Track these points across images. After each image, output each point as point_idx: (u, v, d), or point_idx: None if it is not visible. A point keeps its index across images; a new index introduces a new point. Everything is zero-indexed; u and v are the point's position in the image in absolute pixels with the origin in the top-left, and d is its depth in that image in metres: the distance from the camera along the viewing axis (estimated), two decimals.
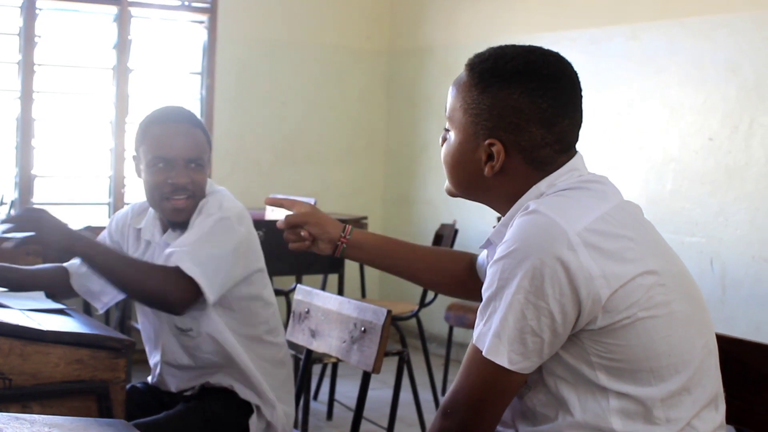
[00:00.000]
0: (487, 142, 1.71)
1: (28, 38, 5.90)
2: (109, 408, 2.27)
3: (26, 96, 5.93)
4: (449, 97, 1.80)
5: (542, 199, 1.68)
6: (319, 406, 5.01)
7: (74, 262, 2.81)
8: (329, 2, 6.95)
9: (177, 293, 2.49)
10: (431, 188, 6.74)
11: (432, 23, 6.79)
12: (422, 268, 2.19)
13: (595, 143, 5.42)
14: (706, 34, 4.85)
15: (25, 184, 5.95)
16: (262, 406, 2.70)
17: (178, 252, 2.52)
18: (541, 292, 1.57)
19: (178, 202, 2.62)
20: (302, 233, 2.14)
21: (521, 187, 1.73)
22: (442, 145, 1.84)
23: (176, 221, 2.66)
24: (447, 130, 1.81)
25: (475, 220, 6.08)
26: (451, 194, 1.86)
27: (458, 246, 5.10)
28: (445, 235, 4.80)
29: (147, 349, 2.85)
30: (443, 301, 5.37)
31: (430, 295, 4.89)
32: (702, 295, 1.77)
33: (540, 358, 1.61)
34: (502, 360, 1.60)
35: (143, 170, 2.66)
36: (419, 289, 4.99)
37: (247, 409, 2.70)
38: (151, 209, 2.78)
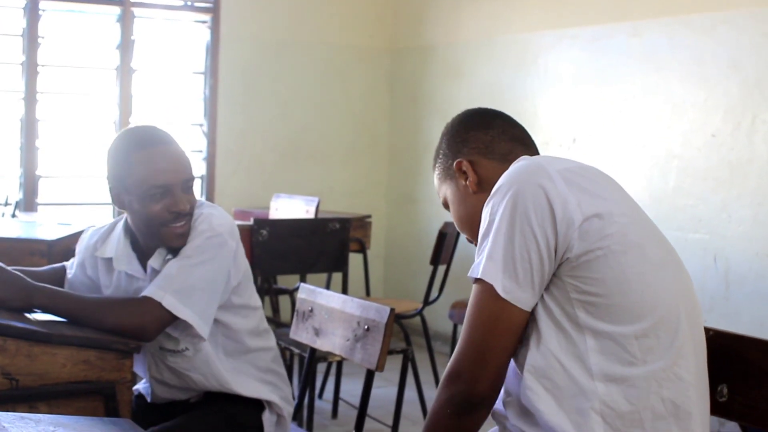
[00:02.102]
0: (454, 166, 2.02)
1: (31, 39, 5.92)
2: (115, 408, 2.28)
3: (30, 97, 5.95)
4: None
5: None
6: (324, 405, 5.03)
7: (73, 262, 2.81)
8: (332, 1, 6.96)
9: (137, 322, 2.39)
10: (434, 187, 6.74)
11: (434, 21, 6.80)
12: None
13: (598, 141, 5.43)
14: (707, 31, 4.85)
15: (29, 185, 5.97)
16: (269, 400, 2.71)
17: (162, 291, 2.44)
18: (525, 216, 1.71)
19: (178, 228, 2.51)
20: None
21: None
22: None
23: (176, 246, 2.53)
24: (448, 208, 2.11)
25: None
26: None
27: (461, 245, 5.11)
28: (449, 233, 4.81)
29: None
30: (447, 299, 5.38)
31: (435, 293, 4.90)
32: (681, 262, 1.85)
33: (532, 289, 1.72)
34: (497, 283, 1.72)
35: (134, 201, 2.50)
36: (423, 288, 5.00)
37: (257, 405, 2.71)
38: (117, 234, 2.65)
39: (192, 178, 2.56)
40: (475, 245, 1.93)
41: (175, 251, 2.55)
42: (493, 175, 1.94)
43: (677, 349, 1.72)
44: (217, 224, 2.54)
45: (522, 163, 1.81)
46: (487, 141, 2.02)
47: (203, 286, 2.49)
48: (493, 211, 1.77)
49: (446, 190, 2.09)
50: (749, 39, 4.66)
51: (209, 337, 2.58)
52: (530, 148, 2.04)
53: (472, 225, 1.99)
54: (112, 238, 2.67)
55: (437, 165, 2.11)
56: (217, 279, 2.53)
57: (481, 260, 1.75)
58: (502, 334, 1.73)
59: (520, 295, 1.72)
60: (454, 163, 2.03)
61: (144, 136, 2.53)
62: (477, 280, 1.76)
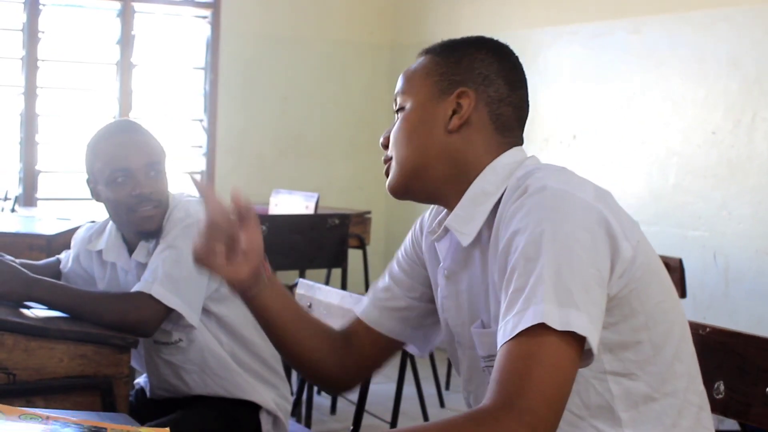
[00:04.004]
0: (457, 91, 1.64)
1: (31, 34, 5.92)
2: (112, 403, 2.28)
3: (30, 91, 5.94)
4: (399, 81, 1.73)
5: (534, 177, 1.54)
6: (322, 400, 5.03)
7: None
8: None
9: (136, 317, 2.41)
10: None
11: (435, 17, 6.80)
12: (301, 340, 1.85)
13: (598, 138, 5.42)
14: (707, 28, 4.84)
15: (29, 180, 5.97)
16: (267, 401, 2.71)
17: (150, 282, 2.46)
18: (585, 257, 1.43)
19: (145, 211, 2.53)
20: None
21: (481, 149, 1.65)
22: (384, 146, 1.72)
23: (147, 231, 2.56)
24: (399, 110, 1.70)
25: None
26: (397, 187, 1.70)
27: None
28: None
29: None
30: None
31: None
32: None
33: (599, 326, 1.42)
34: (591, 334, 1.39)
35: (103, 189, 2.57)
36: None
37: (255, 404, 2.71)
38: (109, 228, 2.70)
39: (157, 163, 2.57)
40: (387, 165, 1.71)
41: (149, 236, 2.57)
42: (479, 138, 1.64)
43: (689, 376, 1.59)
44: (195, 211, 2.56)
45: (550, 194, 1.48)
46: (503, 96, 1.66)
47: (188, 274, 2.49)
48: (530, 256, 1.43)
49: (419, 91, 1.68)
50: (749, 36, 4.65)
51: (204, 329, 2.58)
52: (522, 137, 1.71)
53: (408, 142, 1.67)
54: (105, 232, 2.72)
55: (438, 59, 1.69)
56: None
57: (543, 310, 1.37)
58: (570, 380, 1.40)
59: (593, 334, 1.40)
60: (461, 90, 1.64)
61: (112, 127, 2.63)
62: (549, 331, 1.37)
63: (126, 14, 6.18)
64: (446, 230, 1.67)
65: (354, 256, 5.46)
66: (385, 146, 1.73)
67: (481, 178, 1.63)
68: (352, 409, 2.61)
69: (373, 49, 7.13)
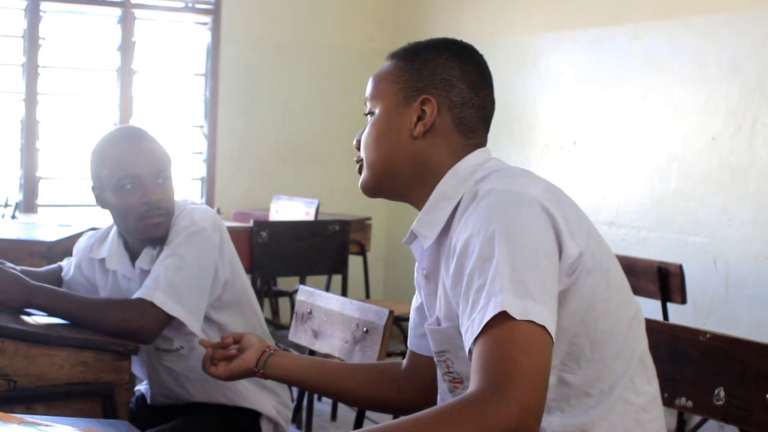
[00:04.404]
0: (420, 98, 1.73)
1: (32, 40, 5.92)
2: (113, 410, 2.28)
3: (30, 98, 5.95)
4: (369, 86, 1.83)
5: (486, 181, 1.62)
6: (323, 407, 5.02)
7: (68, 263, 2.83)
8: (332, 3, 6.96)
9: (137, 324, 2.41)
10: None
11: (435, 24, 6.80)
12: (352, 386, 2.04)
13: (599, 143, 5.42)
14: (708, 34, 4.85)
15: (29, 186, 5.97)
16: (267, 408, 2.71)
17: (152, 290, 2.46)
18: (535, 250, 1.50)
19: (155, 219, 2.52)
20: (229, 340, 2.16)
21: (445, 152, 1.73)
22: (357, 147, 1.82)
23: (155, 238, 2.55)
24: (369, 114, 1.82)
25: None
26: (368, 187, 1.80)
27: None
28: None
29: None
30: None
31: None
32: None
33: (555, 316, 1.49)
34: (549, 323, 1.45)
35: (110, 197, 2.55)
36: None
37: (255, 411, 2.71)
38: (111, 236, 2.69)
39: (165, 170, 2.57)
40: (359, 165, 1.81)
41: (155, 243, 2.57)
42: (444, 141, 1.72)
43: (630, 375, 1.61)
44: (199, 218, 2.56)
45: (498, 197, 1.56)
46: (466, 99, 1.73)
47: (191, 282, 2.50)
48: (484, 255, 1.50)
49: (386, 97, 1.78)
50: (750, 41, 4.65)
51: (205, 337, 2.58)
52: (486, 136, 1.78)
53: (377, 147, 1.77)
54: (107, 240, 2.70)
55: (402, 65, 1.78)
56: (204, 273, 2.54)
57: (502, 302, 1.44)
58: (546, 362, 1.45)
59: (550, 319, 1.47)
60: (423, 97, 1.73)
61: (118, 133, 2.62)
62: (512, 319, 1.44)
63: (126, 21, 6.19)
64: (414, 233, 1.75)
65: (354, 262, 5.46)
66: (358, 148, 1.83)
67: (443, 182, 1.71)
68: (353, 415, 2.61)
69: (374, 56, 7.13)
